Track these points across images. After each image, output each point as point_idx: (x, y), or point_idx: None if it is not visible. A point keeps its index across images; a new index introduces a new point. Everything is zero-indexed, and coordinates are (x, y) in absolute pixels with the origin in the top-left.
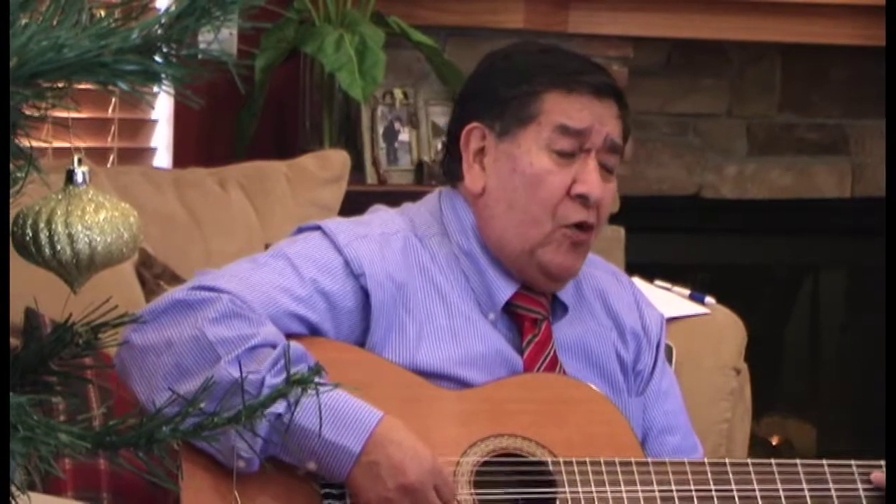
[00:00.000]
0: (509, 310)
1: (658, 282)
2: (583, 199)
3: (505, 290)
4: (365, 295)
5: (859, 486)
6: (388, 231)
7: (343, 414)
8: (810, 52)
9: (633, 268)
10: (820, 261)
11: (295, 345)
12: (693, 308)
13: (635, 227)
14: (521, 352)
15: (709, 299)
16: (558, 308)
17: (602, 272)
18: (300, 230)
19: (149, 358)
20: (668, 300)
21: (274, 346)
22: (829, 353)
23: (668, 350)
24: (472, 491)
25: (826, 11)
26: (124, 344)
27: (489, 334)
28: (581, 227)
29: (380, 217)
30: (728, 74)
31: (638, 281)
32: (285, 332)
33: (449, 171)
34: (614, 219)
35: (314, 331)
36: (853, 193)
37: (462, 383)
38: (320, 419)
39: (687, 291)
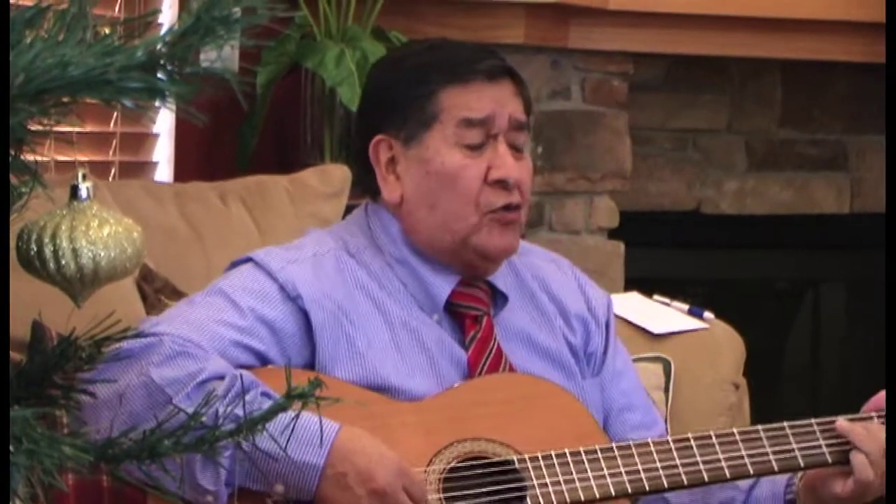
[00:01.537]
0: (450, 310)
1: (657, 296)
2: (502, 184)
3: (444, 288)
4: (305, 316)
5: (821, 441)
6: (319, 251)
7: (301, 432)
8: (810, 68)
9: (632, 282)
10: (819, 276)
11: (244, 372)
12: (692, 323)
13: (635, 241)
14: (465, 349)
15: (707, 314)
16: (499, 299)
17: (541, 260)
18: (233, 264)
19: (104, 414)
20: (667, 315)
21: (223, 378)
22: (829, 368)
23: (667, 364)
24: (441, 496)
25: (826, 28)
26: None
27: (433, 338)
28: (507, 207)
29: (311, 239)
30: (728, 90)
31: (637, 296)
32: (235, 364)
33: (365, 186)
34: (614, 234)
35: (262, 359)
36: (852, 209)
37: (413, 394)
38: (321, 432)
39: (686, 306)
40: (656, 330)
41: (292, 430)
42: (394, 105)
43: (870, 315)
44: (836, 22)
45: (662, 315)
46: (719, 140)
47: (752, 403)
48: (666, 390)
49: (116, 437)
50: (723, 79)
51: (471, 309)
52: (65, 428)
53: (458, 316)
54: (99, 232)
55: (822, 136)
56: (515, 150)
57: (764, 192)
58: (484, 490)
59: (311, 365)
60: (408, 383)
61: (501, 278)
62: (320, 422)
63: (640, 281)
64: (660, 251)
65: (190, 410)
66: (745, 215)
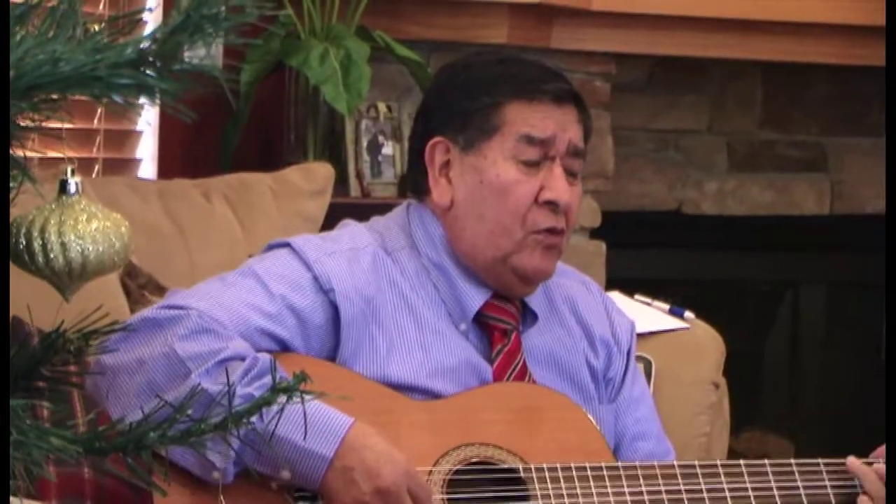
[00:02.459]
0: (479, 321)
1: (638, 296)
2: (552, 206)
3: (476, 300)
4: (334, 310)
5: (827, 482)
6: (356, 246)
7: (314, 421)
8: (791, 70)
9: (613, 282)
10: (799, 277)
11: (265, 356)
12: (672, 322)
13: (616, 242)
14: (491, 362)
15: (688, 314)
16: (528, 317)
17: (572, 281)
18: (270, 247)
19: (121, 378)
20: (648, 314)
21: (243, 359)
22: (808, 369)
23: (648, 364)
24: (445, 497)
25: (807, 30)
26: (96, 366)
27: (459, 345)
28: (551, 231)
29: (349, 232)
30: (709, 91)
31: (618, 295)
32: (256, 348)
33: (415, 185)
34: (595, 234)
35: (284, 347)
36: (832, 210)
37: (432, 395)
38: (305, 427)
39: (666, 306)
40: (637, 329)
41: (307, 419)
42: (457, 110)
43: (849, 316)
44: (815, 24)
45: (643, 314)
46: (700, 141)
47: (731, 403)
48: None
49: (103, 429)
50: (704, 80)
51: (501, 322)
52: (46, 422)
53: (487, 328)
54: (87, 226)
55: (802, 138)
56: (570, 174)
57: (744, 194)
58: (487, 495)
59: (331, 358)
60: (429, 384)
61: (534, 297)
62: (304, 415)
63: (621, 281)
64: (641, 251)
65: (208, 386)
66: (726, 216)
